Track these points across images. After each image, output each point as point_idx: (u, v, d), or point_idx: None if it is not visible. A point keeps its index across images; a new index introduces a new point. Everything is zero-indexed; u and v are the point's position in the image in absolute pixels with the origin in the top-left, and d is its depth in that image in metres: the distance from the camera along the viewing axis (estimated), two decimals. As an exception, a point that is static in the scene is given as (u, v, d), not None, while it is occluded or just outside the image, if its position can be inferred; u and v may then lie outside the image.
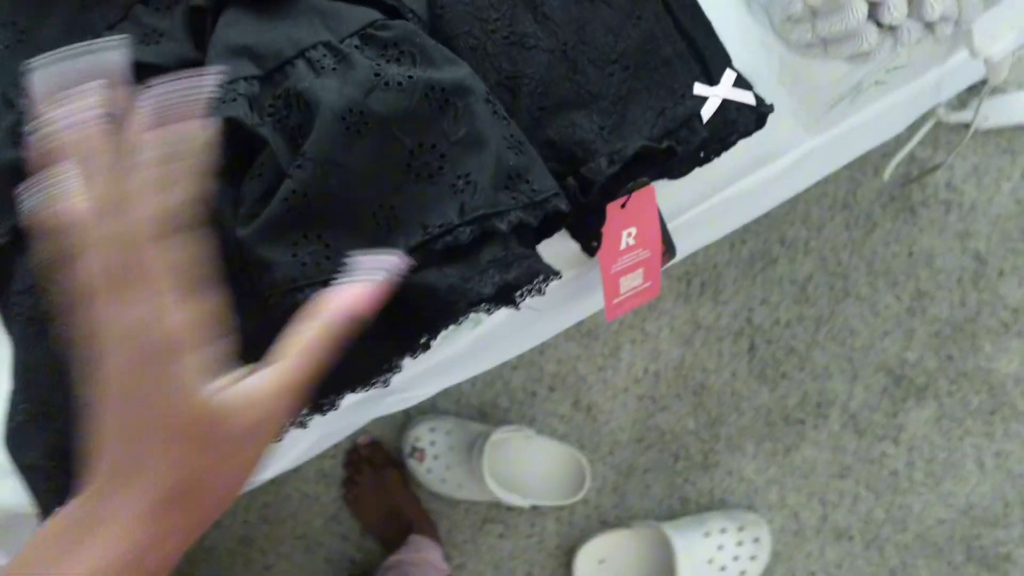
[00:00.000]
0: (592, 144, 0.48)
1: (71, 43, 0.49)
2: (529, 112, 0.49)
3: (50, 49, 0.50)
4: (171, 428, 0.33)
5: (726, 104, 0.50)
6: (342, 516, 1.29)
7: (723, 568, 1.18)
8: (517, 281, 0.42)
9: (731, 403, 1.32)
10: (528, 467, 1.25)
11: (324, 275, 0.40)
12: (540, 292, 0.45)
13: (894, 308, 1.34)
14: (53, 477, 0.43)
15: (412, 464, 1.25)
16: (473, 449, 1.20)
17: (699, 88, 0.50)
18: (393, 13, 0.47)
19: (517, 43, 0.49)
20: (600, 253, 0.55)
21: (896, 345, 1.33)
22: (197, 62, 0.47)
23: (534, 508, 1.26)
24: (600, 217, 0.50)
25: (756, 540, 1.21)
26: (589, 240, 0.51)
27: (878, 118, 0.65)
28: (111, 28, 0.48)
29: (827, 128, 0.63)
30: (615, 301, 0.61)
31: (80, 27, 0.50)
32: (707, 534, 1.19)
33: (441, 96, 0.42)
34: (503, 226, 0.41)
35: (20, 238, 0.45)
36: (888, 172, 1.25)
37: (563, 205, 0.44)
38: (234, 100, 0.42)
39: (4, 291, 0.46)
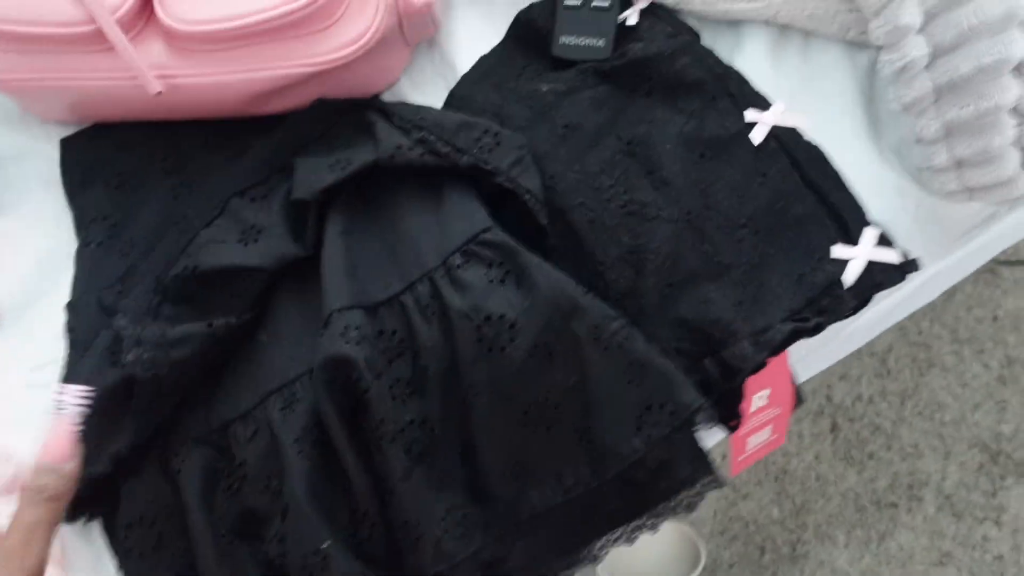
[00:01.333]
0: (730, 323, 0.43)
1: (165, 240, 0.47)
2: (657, 289, 0.45)
3: (142, 245, 0.48)
4: None
5: (870, 265, 0.46)
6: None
7: (825, 672, 1.10)
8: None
9: (817, 488, 1.25)
10: (638, 555, 1.18)
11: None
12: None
13: (983, 378, 1.27)
14: None
15: None
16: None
17: (839, 251, 0.46)
18: (509, 194, 0.44)
19: (636, 213, 0.46)
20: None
21: (989, 418, 1.25)
22: (296, 258, 0.44)
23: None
24: (739, 396, 0.45)
25: (857, 639, 1.13)
26: (726, 419, 0.47)
27: (1011, 230, 0.60)
28: (208, 225, 0.45)
29: (955, 251, 0.58)
30: (740, 458, 0.57)
31: (173, 221, 0.47)
32: (805, 636, 1.12)
33: (545, 348, 0.40)
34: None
35: (121, 467, 0.41)
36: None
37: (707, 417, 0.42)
38: (350, 341, 0.40)
39: (111, 523, 0.43)
